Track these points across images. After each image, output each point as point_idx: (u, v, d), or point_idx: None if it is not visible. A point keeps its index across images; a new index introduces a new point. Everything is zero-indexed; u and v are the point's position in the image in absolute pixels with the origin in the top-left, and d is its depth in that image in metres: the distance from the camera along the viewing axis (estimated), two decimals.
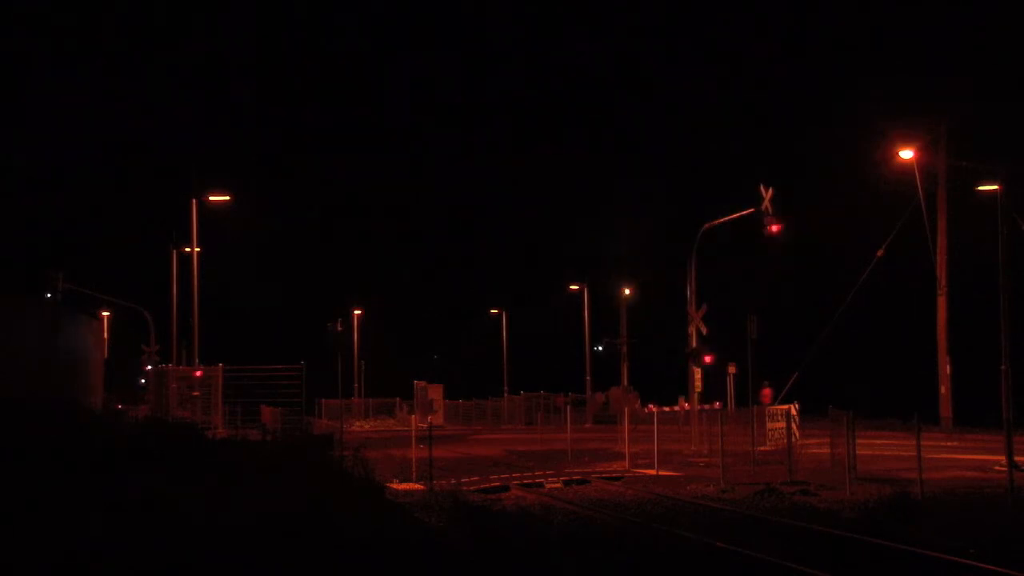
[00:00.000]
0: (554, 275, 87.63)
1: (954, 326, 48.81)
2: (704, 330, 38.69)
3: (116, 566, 11.45)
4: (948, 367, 48.41)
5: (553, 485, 28.05)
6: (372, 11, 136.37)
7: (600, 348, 74.34)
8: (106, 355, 46.12)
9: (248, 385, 37.89)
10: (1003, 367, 27.82)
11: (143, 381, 50.20)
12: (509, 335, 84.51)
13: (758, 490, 24.90)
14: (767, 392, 48.55)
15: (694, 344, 38.75)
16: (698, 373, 39.07)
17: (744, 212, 39.16)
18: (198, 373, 42.10)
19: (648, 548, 17.88)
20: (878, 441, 35.24)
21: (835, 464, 29.11)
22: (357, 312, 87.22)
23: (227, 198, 45.75)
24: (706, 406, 42.07)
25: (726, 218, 40.06)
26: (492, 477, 29.69)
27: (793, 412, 34.29)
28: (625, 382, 70.96)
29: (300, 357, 34.69)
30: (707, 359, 38.75)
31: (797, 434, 33.37)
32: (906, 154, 46.65)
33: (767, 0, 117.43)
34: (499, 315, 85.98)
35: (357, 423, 67.32)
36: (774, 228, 38.86)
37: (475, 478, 29.31)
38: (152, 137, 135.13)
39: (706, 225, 40.06)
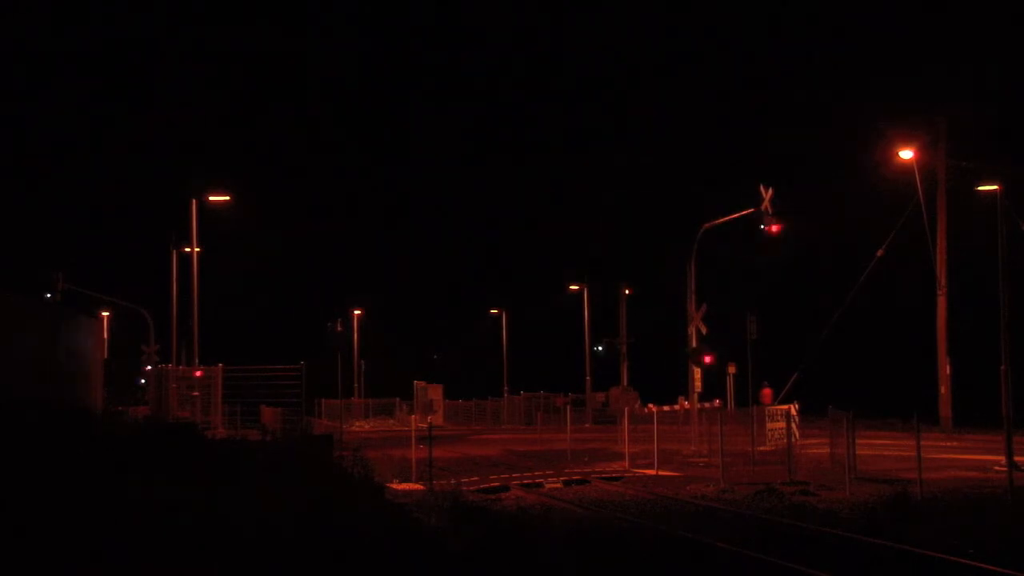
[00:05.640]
0: (554, 275, 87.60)
1: (954, 326, 48.77)
2: (704, 330, 38.66)
3: (116, 567, 11.45)
4: (948, 367, 48.37)
5: (553, 485, 28.06)
6: (371, 11, 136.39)
7: (600, 348, 74.19)
8: (106, 355, 46.10)
9: (248, 385, 37.89)
10: (1003, 367, 27.79)
11: (143, 381, 50.17)
12: (509, 335, 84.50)
13: (758, 490, 24.90)
14: (767, 392, 48.55)
15: (694, 344, 38.73)
16: (698, 373, 39.04)
17: (744, 212, 39.15)
18: (198, 373, 42.08)
19: (648, 548, 17.90)
20: (878, 441, 35.23)
21: (835, 464, 29.12)
22: (357, 312, 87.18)
23: (227, 198, 45.73)
24: (706, 404, 42.06)
25: (726, 218, 40.03)
26: (492, 477, 29.70)
27: (793, 412, 34.27)
28: (625, 382, 70.90)
29: (300, 357, 34.69)
30: (707, 359, 38.70)
31: (797, 434, 33.36)
32: (906, 154, 46.66)
33: (768, 0, 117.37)
34: (499, 315, 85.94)
35: (357, 423, 67.31)
36: (774, 228, 38.87)
37: (475, 478, 29.32)
38: (152, 137, 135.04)
39: (706, 225, 40.03)
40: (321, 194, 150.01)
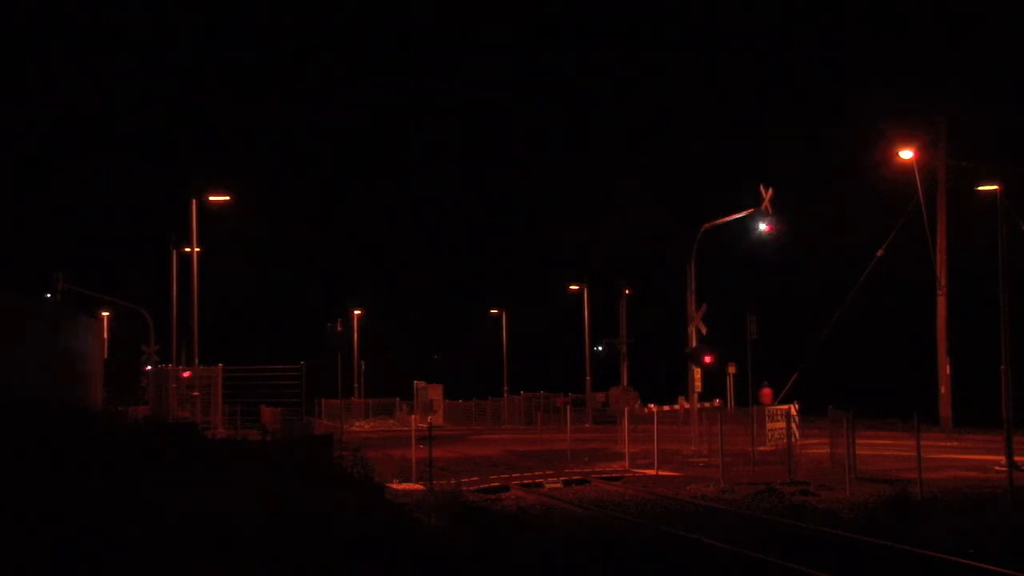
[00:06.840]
0: (554, 275, 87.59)
1: (954, 326, 48.76)
2: (704, 330, 38.64)
3: (116, 567, 11.44)
4: (948, 367, 48.36)
5: (553, 485, 28.06)
6: (371, 10, 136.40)
7: (600, 348, 74.19)
8: (106, 355, 46.10)
9: (248, 385, 37.93)
10: (1003, 367, 27.80)
11: (143, 381, 50.17)
12: (509, 335, 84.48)
13: (758, 490, 24.90)
14: (767, 392, 48.54)
15: (694, 344, 38.71)
16: (698, 373, 39.02)
17: (744, 212, 39.13)
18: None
19: (648, 548, 17.90)
20: (878, 441, 35.23)
21: (835, 464, 29.12)
22: (357, 312, 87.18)
23: (227, 198, 45.77)
24: (706, 404, 42.04)
25: (726, 218, 40.01)
26: (492, 477, 29.69)
27: (793, 412, 34.27)
28: (625, 382, 70.90)
29: (300, 357, 34.72)
30: (707, 359, 38.66)
31: (797, 434, 33.36)
32: (906, 154, 46.67)
33: (767, 0, 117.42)
34: (499, 315, 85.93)
35: (357, 423, 67.30)
36: (774, 228, 38.88)
37: (475, 478, 29.31)
38: (152, 137, 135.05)
39: (705, 225, 40.00)
40: (321, 194, 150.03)
